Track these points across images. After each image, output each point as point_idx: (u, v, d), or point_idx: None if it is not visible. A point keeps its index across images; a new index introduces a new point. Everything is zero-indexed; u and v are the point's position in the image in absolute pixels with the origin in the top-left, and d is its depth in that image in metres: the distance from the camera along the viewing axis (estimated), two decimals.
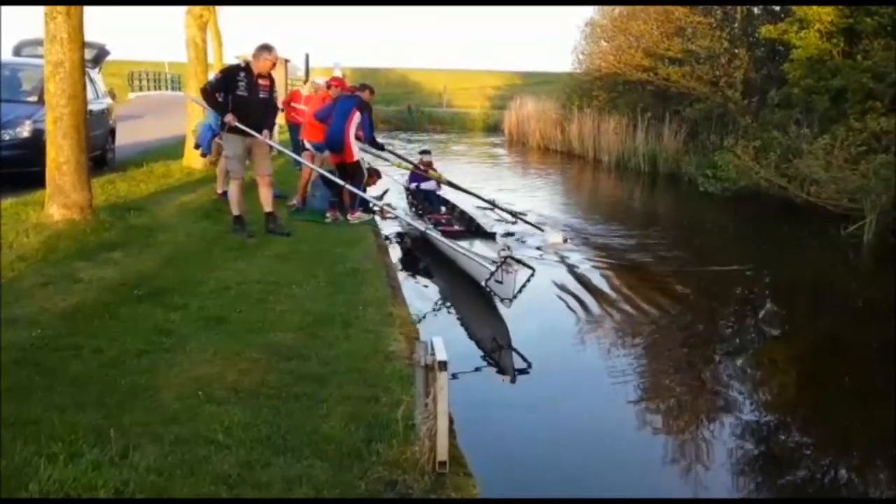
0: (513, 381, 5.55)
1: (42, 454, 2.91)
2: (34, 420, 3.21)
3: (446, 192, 10.65)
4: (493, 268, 6.34)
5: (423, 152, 11.19)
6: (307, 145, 9.45)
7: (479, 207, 10.68)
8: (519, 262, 6.57)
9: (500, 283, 6.36)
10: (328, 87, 9.74)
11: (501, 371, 5.80)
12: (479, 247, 7.58)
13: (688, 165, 17.69)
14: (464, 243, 7.52)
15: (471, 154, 26.25)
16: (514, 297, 6.32)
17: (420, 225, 8.33)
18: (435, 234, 7.88)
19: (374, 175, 10.07)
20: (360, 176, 8.90)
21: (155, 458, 2.98)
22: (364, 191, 8.99)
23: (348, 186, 8.52)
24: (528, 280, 6.44)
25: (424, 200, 10.12)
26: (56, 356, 4.01)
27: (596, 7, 25.52)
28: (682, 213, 15.34)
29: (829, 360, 6.50)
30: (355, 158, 8.83)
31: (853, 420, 5.18)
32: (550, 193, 16.42)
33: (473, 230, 9.14)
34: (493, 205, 10.42)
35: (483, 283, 6.54)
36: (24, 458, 2.89)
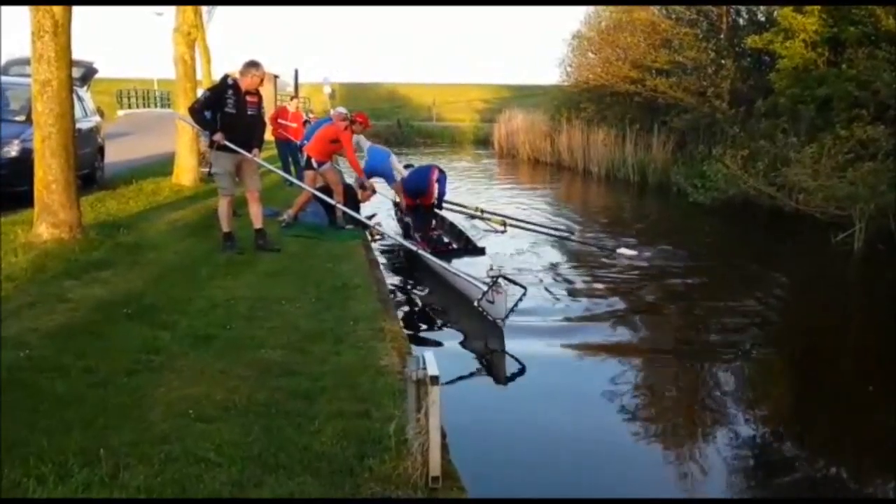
0: (506, 389, 5.54)
1: (31, 475, 2.88)
2: (22, 441, 3.18)
3: None
4: (484, 288, 6.34)
5: (407, 166, 11.22)
6: (313, 163, 9.43)
7: (467, 217, 10.72)
8: (510, 281, 6.60)
9: (492, 302, 6.35)
10: (352, 121, 9.69)
11: (495, 380, 5.80)
12: (469, 265, 7.56)
13: (676, 175, 17.78)
14: (455, 261, 7.51)
15: (461, 167, 26.30)
16: (507, 316, 6.32)
17: (411, 245, 8.33)
18: (426, 255, 7.88)
19: (369, 190, 10.11)
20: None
21: (145, 477, 2.95)
22: (358, 208, 9.31)
23: (340, 206, 9.04)
24: (521, 299, 6.45)
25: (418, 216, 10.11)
26: (44, 376, 3.96)
27: (584, 15, 25.80)
28: (671, 222, 15.36)
29: (820, 367, 6.50)
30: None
31: (845, 427, 5.20)
32: (546, 202, 16.45)
33: (463, 245, 9.16)
34: (481, 212, 10.46)
35: (476, 304, 6.55)
36: (12, 480, 2.86)
